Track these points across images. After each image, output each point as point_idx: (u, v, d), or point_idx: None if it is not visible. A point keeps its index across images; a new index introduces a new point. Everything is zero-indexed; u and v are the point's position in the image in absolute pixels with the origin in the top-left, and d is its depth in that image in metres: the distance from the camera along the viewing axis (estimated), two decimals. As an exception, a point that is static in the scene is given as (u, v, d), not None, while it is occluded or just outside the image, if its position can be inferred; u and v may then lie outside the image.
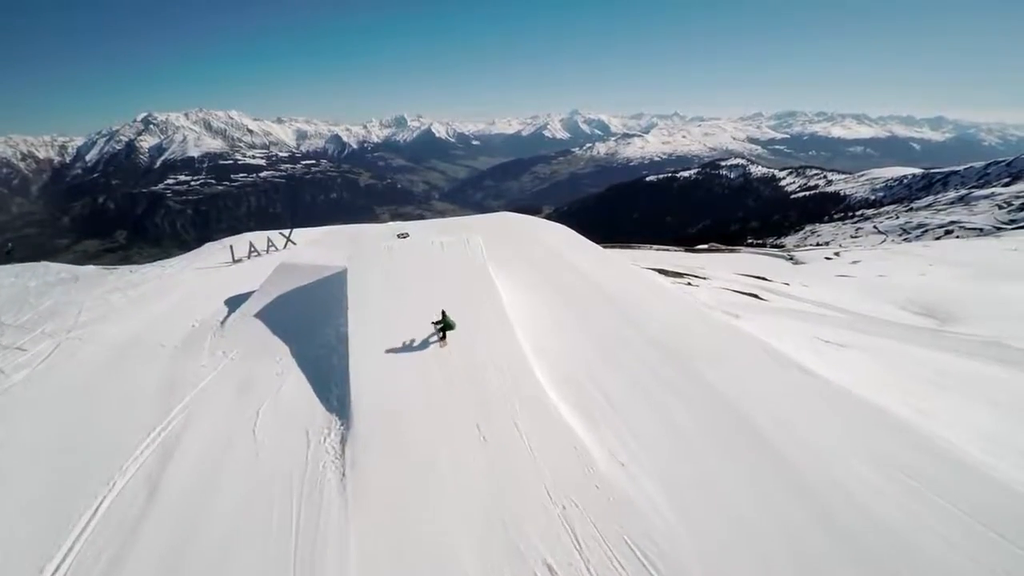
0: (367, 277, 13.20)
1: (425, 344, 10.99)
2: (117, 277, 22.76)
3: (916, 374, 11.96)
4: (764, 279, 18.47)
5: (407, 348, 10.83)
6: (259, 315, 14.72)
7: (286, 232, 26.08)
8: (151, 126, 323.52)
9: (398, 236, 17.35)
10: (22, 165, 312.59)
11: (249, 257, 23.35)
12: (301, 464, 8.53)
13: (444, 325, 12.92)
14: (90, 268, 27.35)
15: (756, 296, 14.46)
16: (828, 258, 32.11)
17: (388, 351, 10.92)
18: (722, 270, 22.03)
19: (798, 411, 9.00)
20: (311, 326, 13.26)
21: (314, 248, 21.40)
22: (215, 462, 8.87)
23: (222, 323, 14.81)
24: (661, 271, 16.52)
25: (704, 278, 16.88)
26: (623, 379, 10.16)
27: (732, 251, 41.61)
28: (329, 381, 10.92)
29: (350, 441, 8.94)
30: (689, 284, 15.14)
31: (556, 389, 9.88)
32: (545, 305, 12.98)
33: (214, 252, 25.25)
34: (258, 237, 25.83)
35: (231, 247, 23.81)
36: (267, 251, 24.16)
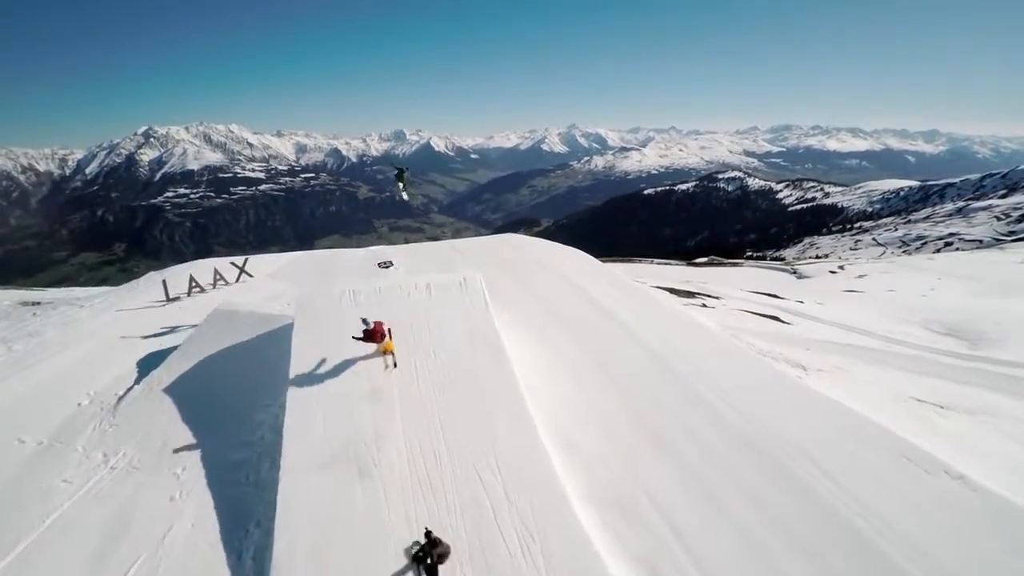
0: (320, 342, 8.99)
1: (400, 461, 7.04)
2: (10, 324, 17.99)
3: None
4: (776, 296, 17.99)
5: (373, 463, 6.79)
6: (172, 389, 10.39)
7: (240, 261, 20.81)
8: (151, 139, 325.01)
9: (379, 266, 14.76)
10: (22, 178, 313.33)
11: (189, 294, 18.49)
12: None
13: (399, 176, 11.91)
14: None
15: (777, 319, 13.86)
16: (832, 272, 31.77)
17: (342, 470, 6.95)
18: (730, 287, 21.51)
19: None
20: (241, 408, 9.39)
21: (272, 283, 17.00)
22: None
23: (118, 401, 10.53)
24: (671, 290, 15.94)
25: (717, 297, 16.17)
26: (701, 502, 6.67)
27: (735, 265, 41.30)
28: (249, 515, 7.26)
29: None
30: (704, 305, 14.53)
31: (603, 525, 6.56)
32: (568, 366, 9.65)
33: (154, 286, 19.89)
34: (205, 267, 20.62)
35: (164, 282, 18.68)
36: (214, 286, 19.07)
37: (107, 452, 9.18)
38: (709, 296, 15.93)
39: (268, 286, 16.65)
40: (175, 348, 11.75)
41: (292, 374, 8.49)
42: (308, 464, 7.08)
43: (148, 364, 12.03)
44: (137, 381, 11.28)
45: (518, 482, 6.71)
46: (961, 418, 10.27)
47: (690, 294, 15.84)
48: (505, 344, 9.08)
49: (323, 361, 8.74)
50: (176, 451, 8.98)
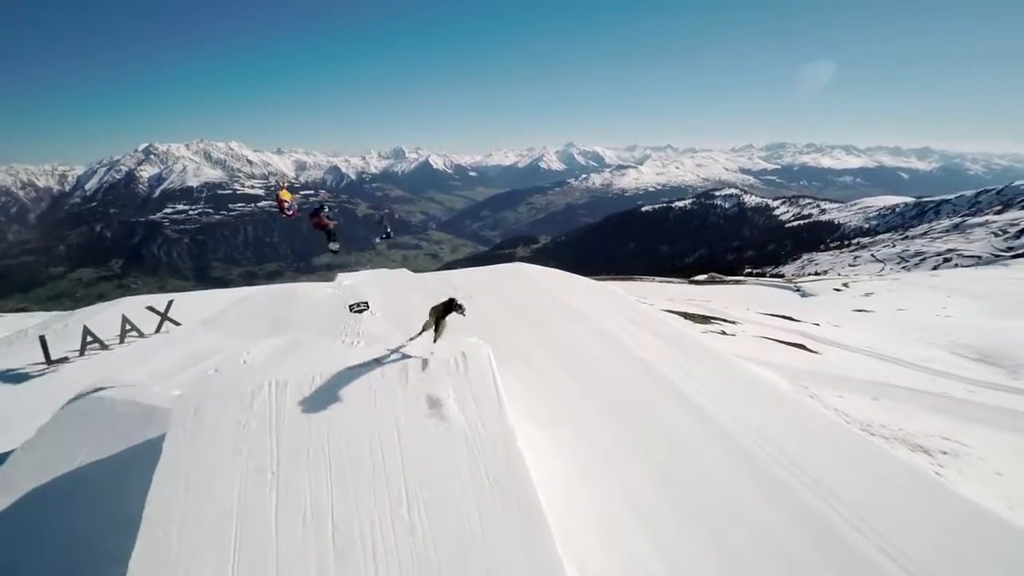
0: (203, 493, 4.59)
1: None
2: None
3: None
4: (790, 319, 17.43)
5: None
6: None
7: (162, 304, 15.55)
8: (152, 156, 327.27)
9: (351, 309, 11.83)
10: (21, 193, 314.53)
11: (83, 353, 13.43)
12: None
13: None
14: None
15: (803, 347, 13.19)
16: (837, 289, 31.41)
17: None
18: (739, 307, 20.94)
19: None
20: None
21: (203, 336, 12.47)
22: None
23: None
24: (684, 314, 15.23)
25: (733, 322, 15.36)
26: None
27: (737, 283, 41.00)
28: None
29: None
30: (723, 332, 13.84)
31: None
32: (635, 506, 6.24)
33: (47, 336, 14.22)
34: (124, 311, 15.04)
35: (42, 339, 13.48)
36: (121, 340, 13.95)
37: None
38: (725, 320, 15.30)
39: (195, 340, 12.13)
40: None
41: (135, 557, 4.10)
42: None
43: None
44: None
45: None
46: None
47: (705, 319, 15.16)
48: (535, 482, 4.75)
49: (203, 534, 4.33)
50: None
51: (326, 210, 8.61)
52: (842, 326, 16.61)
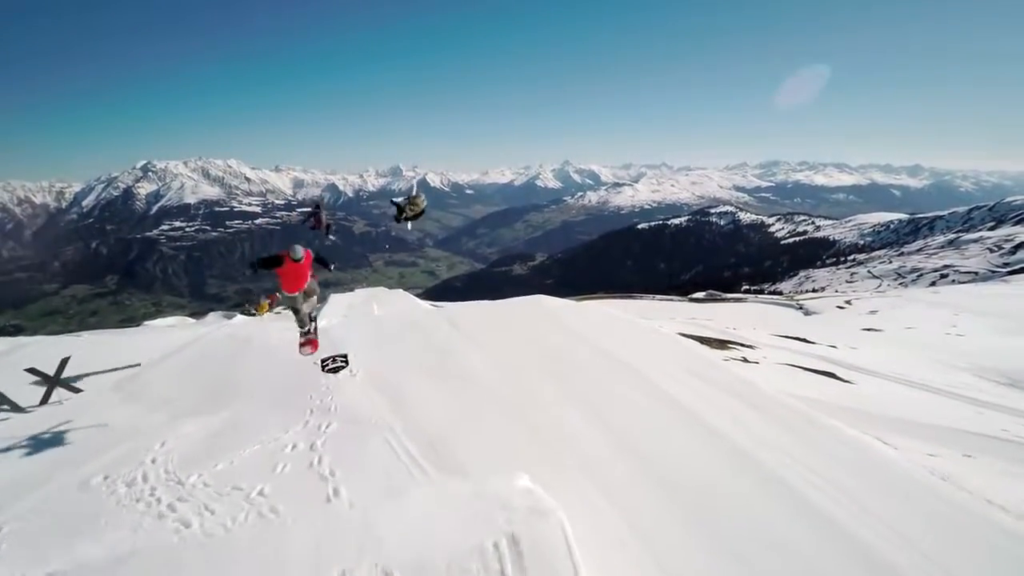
0: None
1: None
2: None
3: None
4: (805, 341, 16.85)
5: None
6: None
7: (67, 355, 10.83)
8: (150, 173, 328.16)
9: (323, 367, 8.31)
10: (17, 210, 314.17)
11: None
12: None
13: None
14: None
15: (833, 375, 12.45)
16: (840, 307, 31.07)
17: None
18: (745, 326, 20.51)
19: None
20: None
21: (106, 412, 8.04)
22: None
23: None
24: (700, 338, 14.45)
25: (751, 346, 14.45)
26: None
27: (738, 300, 40.60)
28: None
29: None
30: (744, 359, 13.10)
31: None
32: None
33: None
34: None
35: None
36: None
37: None
38: (742, 345, 14.62)
39: (97, 417, 7.98)
40: None
41: None
42: None
43: None
44: None
45: None
46: None
47: (722, 343, 14.47)
48: None
49: None
50: None
51: (323, 213, 10.36)
52: (859, 348, 16.03)
